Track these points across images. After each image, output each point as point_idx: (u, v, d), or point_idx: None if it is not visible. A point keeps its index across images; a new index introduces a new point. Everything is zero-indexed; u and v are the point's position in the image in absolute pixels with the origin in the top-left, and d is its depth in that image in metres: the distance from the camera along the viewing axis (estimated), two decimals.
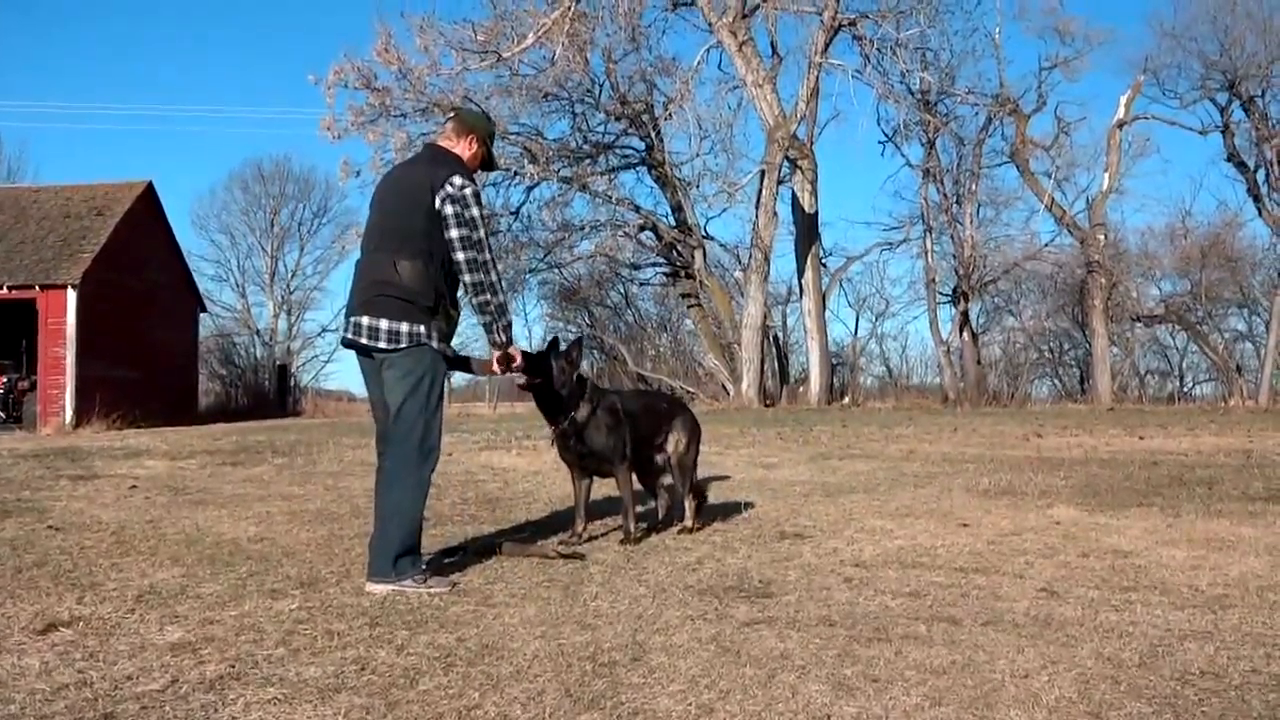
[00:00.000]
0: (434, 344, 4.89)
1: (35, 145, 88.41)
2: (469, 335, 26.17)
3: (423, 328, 4.85)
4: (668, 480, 6.56)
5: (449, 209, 4.79)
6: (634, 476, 6.34)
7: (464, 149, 5.15)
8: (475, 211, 4.84)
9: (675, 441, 6.47)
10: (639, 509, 6.46)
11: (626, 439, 6.08)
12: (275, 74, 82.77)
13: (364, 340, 4.90)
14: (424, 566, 4.92)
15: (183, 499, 8.31)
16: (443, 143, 5.21)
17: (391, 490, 4.89)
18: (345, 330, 5.03)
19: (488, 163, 5.36)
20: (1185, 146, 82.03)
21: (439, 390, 4.99)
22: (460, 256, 4.81)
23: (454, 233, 4.79)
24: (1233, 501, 7.78)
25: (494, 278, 4.89)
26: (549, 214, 31.00)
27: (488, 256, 4.87)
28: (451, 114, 5.53)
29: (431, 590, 4.72)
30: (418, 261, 4.83)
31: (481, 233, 4.86)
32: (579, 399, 5.91)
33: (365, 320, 4.89)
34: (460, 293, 5.06)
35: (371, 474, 5.28)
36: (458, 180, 4.84)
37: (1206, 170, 79.15)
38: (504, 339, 5.05)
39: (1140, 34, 48.82)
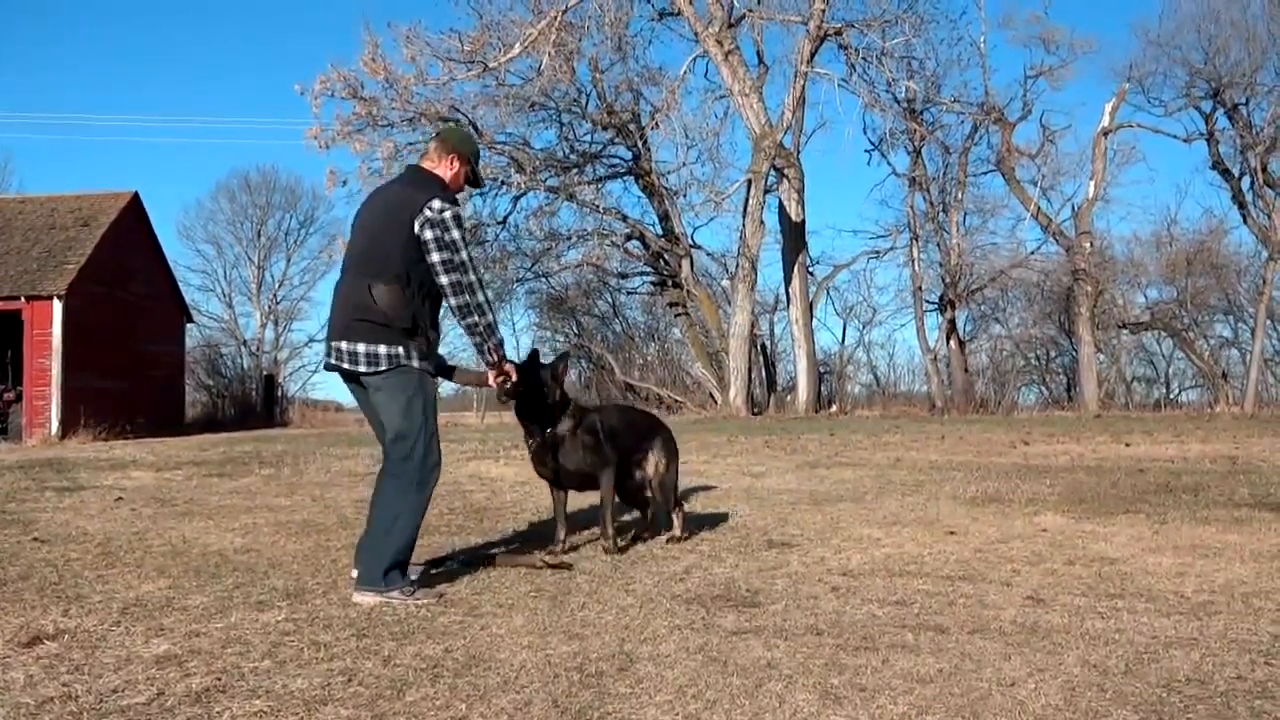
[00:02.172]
0: (415, 363, 4.89)
1: (20, 156, 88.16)
2: (457, 345, 26.12)
3: (401, 349, 4.86)
4: (647, 493, 6.50)
5: (428, 233, 4.79)
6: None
7: (445, 169, 5.15)
8: (455, 234, 4.82)
9: (655, 463, 6.39)
10: (624, 518, 6.54)
11: (609, 456, 6.02)
12: (262, 84, 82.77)
13: (345, 365, 4.92)
14: (413, 579, 4.92)
15: (169, 510, 8.28)
16: (425, 164, 5.20)
17: (390, 507, 4.89)
18: (327, 355, 5.03)
19: (473, 180, 5.34)
20: (1170, 154, 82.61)
21: (431, 407, 4.99)
22: (444, 280, 4.80)
23: (435, 257, 4.79)
24: (1219, 508, 7.80)
25: (480, 298, 4.87)
26: (536, 223, 30.99)
27: (472, 278, 4.84)
28: (435, 134, 5.52)
29: (418, 602, 4.72)
30: (394, 285, 4.83)
31: (463, 255, 4.83)
32: (562, 413, 5.88)
33: (344, 345, 4.91)
34: (443, 314, 5.06)
35: (359, 484, 5.30)
36: (436, 204, 4.83)
37: (1192, 178, 79.49)
38: (495, 358, 5.05)
39: (1125, 42, 49.15)
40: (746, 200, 27.41)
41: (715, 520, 7.28)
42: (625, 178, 32.17)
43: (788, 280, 29.48)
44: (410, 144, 28.19)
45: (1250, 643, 4.01)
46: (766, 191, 27.83)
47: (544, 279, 34.97)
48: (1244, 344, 37.02)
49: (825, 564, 5.68)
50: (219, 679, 3.55)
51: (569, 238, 31.90)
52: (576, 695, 3.38)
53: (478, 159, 5.34)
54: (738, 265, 28.04)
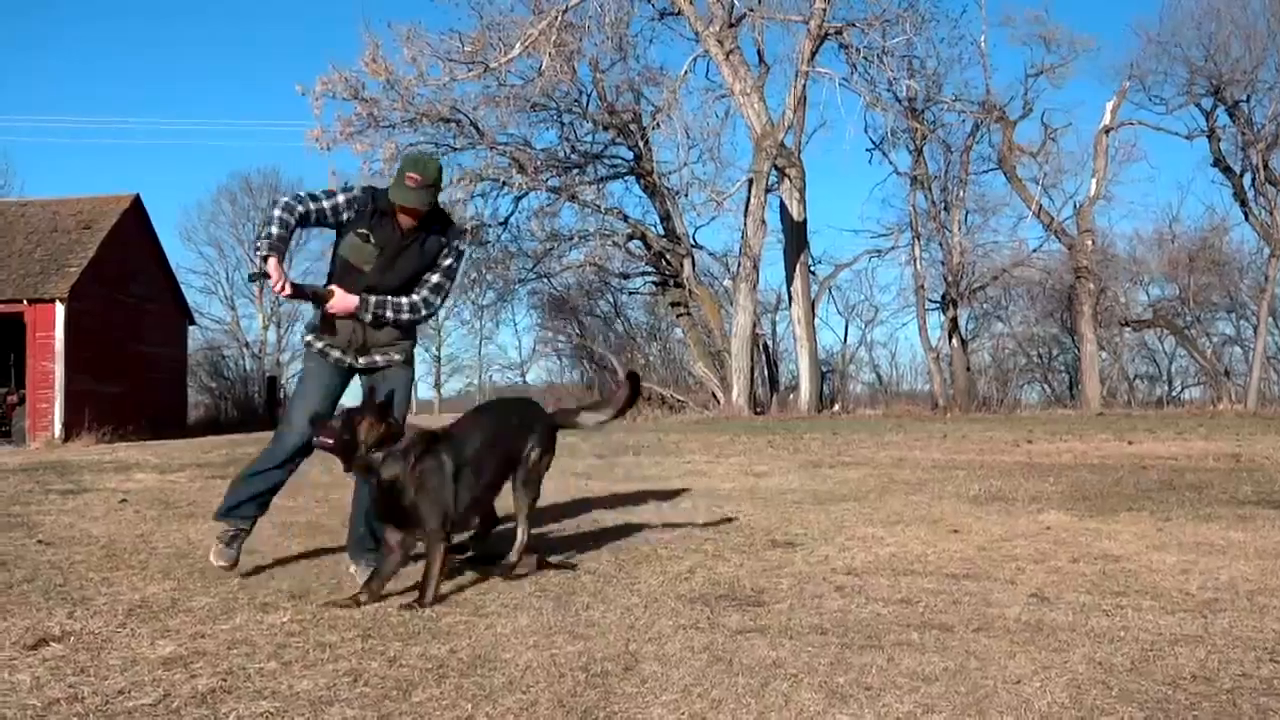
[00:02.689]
0: (308, 335, 5.59)
1: (21, 159, 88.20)
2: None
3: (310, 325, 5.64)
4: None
5: None
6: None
7: None
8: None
9: (530, 452, 5.35)
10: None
11: (448, 510, 4.93)
12: (263, 86, 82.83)
13: None
14: (233, 532, 5.48)
15: (173, 512, 8.28)
16: None
17: None
18: None
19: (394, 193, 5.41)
20: (1172, 152, 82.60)
21: (305, 380, 5.57)
22: None
23: None
24: (1222, 506, 7.80)
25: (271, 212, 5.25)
26: (538, 224, 30.95)
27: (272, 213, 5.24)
28: None
29: (213, 556, 5.42)
30: None
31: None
32: (384, 449, 4.90)
33: None
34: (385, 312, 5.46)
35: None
36: None
37: (1193, 175, 79.38)
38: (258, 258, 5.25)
39: (1126, 41, 49.12)
40: (748, 200, 27.40)
41: (719, 520, 7.28)
42: (626, 178, 32.14)
43: (789, 280, 29.48)
44: (411, 145, 28.18)
45: (1255, 640, 4.00)
46: (768, 191, 27.82)
47: (546, 280, 34.97)
48: (1246, 341, 37.04)
49: (829, 563, 5.68)
50: (225, 680, 3.56)
51: (570, 238, 31.87)
52: (582, 695, 3.38)
53: (399, 176, 5.33)
54: (739, 265, 28.03)
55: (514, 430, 5.39)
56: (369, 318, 5.35)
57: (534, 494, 5.44)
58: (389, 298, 5.37)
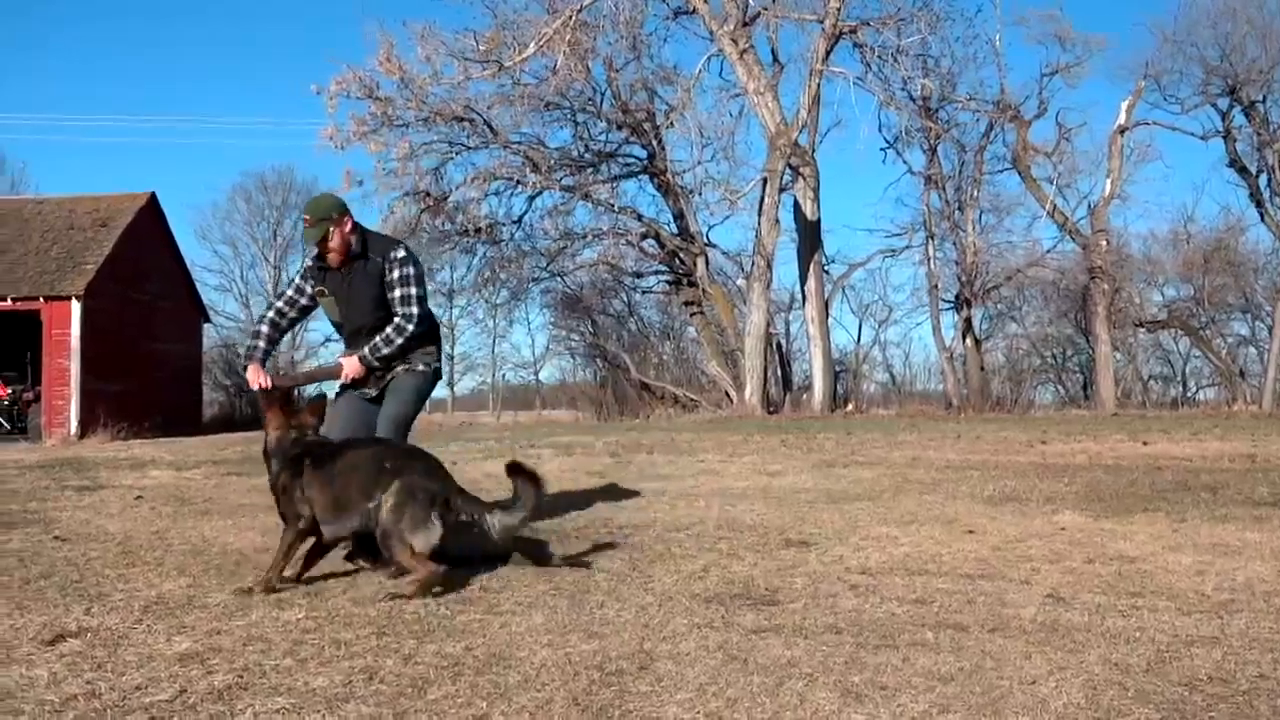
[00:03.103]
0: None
1: (38, 157, 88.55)
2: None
3: None
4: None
5: None
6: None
7: None
8: None
9: (384, 502, 4.95)
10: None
11: (299, 510, 5.14)
12: (264, 86, 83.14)
13: None
14: None
15: (188, 509, 8.31)
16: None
17: None
18: None
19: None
20: (1187, 152, 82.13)
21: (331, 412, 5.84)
22: None
23: None
24: (1238, 506, 7.76)
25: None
26: (551, 223, 31.02)
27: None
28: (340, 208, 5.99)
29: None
30: None
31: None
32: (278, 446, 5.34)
33: None
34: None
35: None
36: None
37: (1209, 175, 78.99)
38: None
39: (1141, 40, 48.88)
40: (762, 199, 27.37)
41: (733, 520, 7.28)
42: (640, 176, 32.15)
43: (803, 279, 29.43)
44: (425, 144, 28.30)
45: (1272, 641, 3.99)
46: (782, 190, 27.77)
47: (559, 278, 34.98)
48: (1261, 342, 36.85)
49: (844, 562, 5.67)
50: (241, 676, 3.57)
51: (584, 237, 31.91)
52: (597, 693, 3.38)
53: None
54: (753, 264, 28.00)
55: (380, 470, 5.06)
56: (377, 364, 5.83)
57: (394, 547, 4.92)
58: (376, 339, 5.79)
